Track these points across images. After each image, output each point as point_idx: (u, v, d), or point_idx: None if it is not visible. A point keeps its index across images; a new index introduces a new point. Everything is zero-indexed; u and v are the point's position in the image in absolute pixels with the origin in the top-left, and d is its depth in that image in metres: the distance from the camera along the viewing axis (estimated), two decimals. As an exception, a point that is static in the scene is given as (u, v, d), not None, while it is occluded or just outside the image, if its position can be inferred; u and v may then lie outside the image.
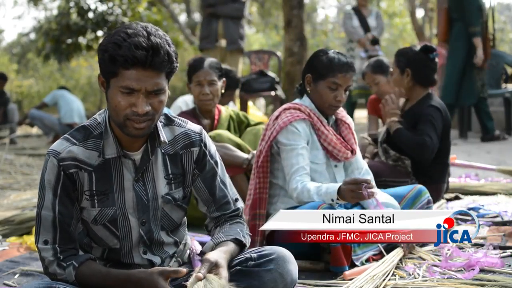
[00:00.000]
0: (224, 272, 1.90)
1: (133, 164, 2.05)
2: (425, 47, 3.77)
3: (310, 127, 2.97)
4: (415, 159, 3.67)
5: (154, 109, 1.93)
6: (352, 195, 2.67)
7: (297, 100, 3.07)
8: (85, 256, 2.00)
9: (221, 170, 2.20)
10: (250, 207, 2.99)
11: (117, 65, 1.88)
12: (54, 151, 1.99)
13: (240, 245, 2.09)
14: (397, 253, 2.75)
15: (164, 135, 2.07)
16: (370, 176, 3.12)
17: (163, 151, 2.09)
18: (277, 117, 3.00)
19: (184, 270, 1.89)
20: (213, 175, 2.17)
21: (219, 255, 1.95)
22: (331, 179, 3.01)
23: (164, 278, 1.88)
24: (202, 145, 2.14)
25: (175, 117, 2.15)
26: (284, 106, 3.06)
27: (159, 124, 2.07)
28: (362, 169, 3.13)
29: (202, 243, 2.29)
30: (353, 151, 3.04)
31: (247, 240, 2.14)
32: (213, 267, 1.90)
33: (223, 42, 7.27)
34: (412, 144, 3.64)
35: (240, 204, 2.23)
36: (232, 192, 2.22)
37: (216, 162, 2.18)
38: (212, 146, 2.18)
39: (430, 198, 3.14)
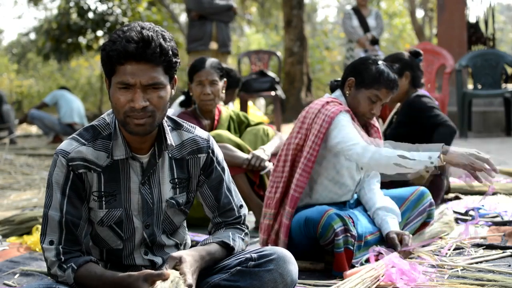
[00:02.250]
0: (185, 267, 1.87)
1: (141, 167, 2.04)
2: (415, 52, 3.95)
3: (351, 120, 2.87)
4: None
5: (153, 105, 1.91)
6: (470, 163, 2.46)
7: (333, 95, 2.99)
8: (85, 258, 1.97)
9: (227, 176, 2.20)
10: (278, 201, 2.89)
11: (112, 61, 1.90)
12: (63, 151, 1.98)
13: (228, 248, 2.08)
14: (393, 256, 2.73)
15: (171, 138, 2.06)
16: (377, 178, 3.10)
17: (170, 155, 2.09)
18: (319, 110, 2.87)
19: (168, 272, 1.83)
20: (220, 182, 2.17)
21: (186, 252, 1.95)
22: (354, 178, 2.95)
23: (149, 283, 1.82)
24: (210, 151, 2.14)
25: (184, 122, 2.15)
26: (325, 99, 2.93)
27: (167, 128, 2.07)
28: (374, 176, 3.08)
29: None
30: None
31: (238, 244, 2.12)
32: (177, 263, 1.89)
33: (213, 45, 7.33)
34: (445, 136, 3.73)
35: (244, 210, 2.22)
36: (237, 198, 2.21)
37: (223, 169, 2.18)
38: (219, 153, 2.18)
39: (432, 200, 3.12)
